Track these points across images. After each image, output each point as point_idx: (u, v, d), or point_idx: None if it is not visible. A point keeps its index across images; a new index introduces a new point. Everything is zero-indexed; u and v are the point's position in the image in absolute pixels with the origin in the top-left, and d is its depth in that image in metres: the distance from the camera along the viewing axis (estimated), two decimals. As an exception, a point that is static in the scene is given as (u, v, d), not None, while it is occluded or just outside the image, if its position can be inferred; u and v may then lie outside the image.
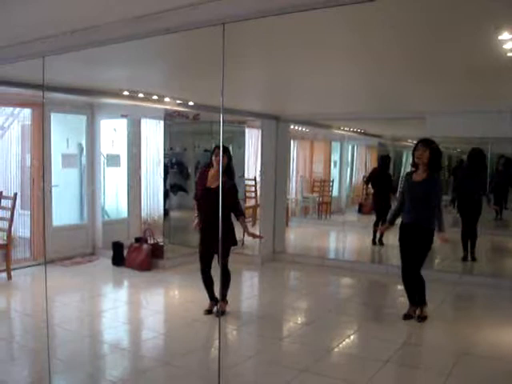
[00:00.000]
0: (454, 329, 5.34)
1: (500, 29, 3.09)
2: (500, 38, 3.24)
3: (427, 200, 5.22)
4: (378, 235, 9.13)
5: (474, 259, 7.83)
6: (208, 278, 5.61)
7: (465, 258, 7.83)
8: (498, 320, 5.61)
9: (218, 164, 5.36)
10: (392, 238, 9.31)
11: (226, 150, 5.55)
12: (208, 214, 5.37)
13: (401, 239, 5.47)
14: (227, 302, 5.65)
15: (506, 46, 3.43)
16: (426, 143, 5.23)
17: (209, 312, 5.61)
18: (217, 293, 5.62)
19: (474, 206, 7.66)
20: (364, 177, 11.44)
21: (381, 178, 9.40)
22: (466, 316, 5.93)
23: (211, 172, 5.50)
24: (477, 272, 7.70)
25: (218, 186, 5.22)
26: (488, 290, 6.68)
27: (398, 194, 10.43)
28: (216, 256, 5.47)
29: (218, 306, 5.57)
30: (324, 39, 3.57)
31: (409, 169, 11.60)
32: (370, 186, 9.71)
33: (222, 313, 5.59)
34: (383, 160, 9.67)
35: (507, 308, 6.06)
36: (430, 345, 4.95)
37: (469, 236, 7.77)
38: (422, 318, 5.41)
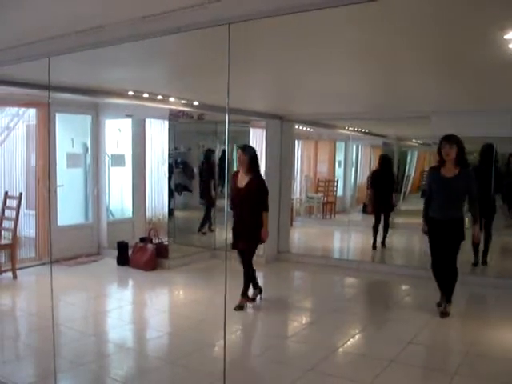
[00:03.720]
0: (461, 329, 5.33)
1: (506, 28, 3.09)
2: (506, 37, 3.23)
3: (460, 194, 5.37)
4: (378, 238, 9.04)
5: (485, 263, 7.55)
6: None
7: (475, 264, 7.52)
8: (506, 320, 5.60)
9: (241, 164, 5.74)
10: (396, 240, 9.37)
11: (245, 148, 5.87)
12: (240, 211, 5.67)
13: (434, 234, 5.53)
14: (260, 289, 6.07)
15: (512, 46, 3.42)
16: (452, 140, 5.31)
17: (252, 300, 5.95)
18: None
19: (489, 205, 7.57)
20: (369, 178, 11.39)
21: (382, 178, 9.15)
22: (474, 316, 5.91)
23: (240, 173, 5.81)
24: (486, 273, 7.61)
25: (246, 185, 5.68)
26: (497, 290, 6.66)
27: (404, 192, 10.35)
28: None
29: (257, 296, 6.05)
30: (329, 39, 3.57)
31: (413, 168, 11.60)
32: (368, 187, 9.51)
33: (253, 300, 5.96)
34: (383, 160, 9.35)
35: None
36: (436, 344, 4.94)
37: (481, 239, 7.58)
38: (445, 314, 5.48)
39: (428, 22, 3.08)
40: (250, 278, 5.85)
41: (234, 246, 5.77)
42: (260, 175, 5.85)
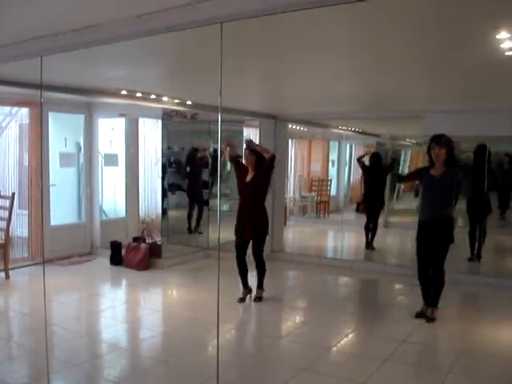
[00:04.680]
0: (455, 327, 5.34)
1: (498, 28, 3.10)
2: (498, 37, 3.25)
3: (447, 193, 5.28)
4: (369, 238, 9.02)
5: (479, 257, 7.69)
6: (243, 266, 6.04)
7: (471, 259, 7.67)
8: (499, 319, 5.62)
9: (249, 164, 5.95)
10: (389, 239, 9.38)
11: (252, 150, 5.96)
12: (245, 204, 5.93)
13: (421, 236, 5.38)
14: (264, 289, 6.11)
15: (504, 45, 3.43)
16: (441, 141, 5.20)
17: (242, 300, 6.02)
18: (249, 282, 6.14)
19: (484, 204, 7.64)
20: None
21: (373, 176, 9.05)
22: (467, 315, 5.94)
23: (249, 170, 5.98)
24: (479, 272, 7.66)
25: (252, 180, 5.88)
26: (490, 289, 6.68)
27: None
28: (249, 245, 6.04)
29: (252, 293, 6.10)
30: (322, 38, 3.58)
31: (407, 167, 11.62)
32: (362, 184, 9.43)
33: (259, 299, 6.04)
34: (374, 158, 9.18)
35: (508, 307, 6.06)
36: (430, 343, 4.95)
37: (476, 235, 7.70)
38: (431, 320, 5.32)
39: (421, 21, 3.09)
40: (263, 266, 6.03)
41: (238, 237, 5.99)
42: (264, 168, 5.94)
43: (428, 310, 5.41)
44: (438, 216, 5.30)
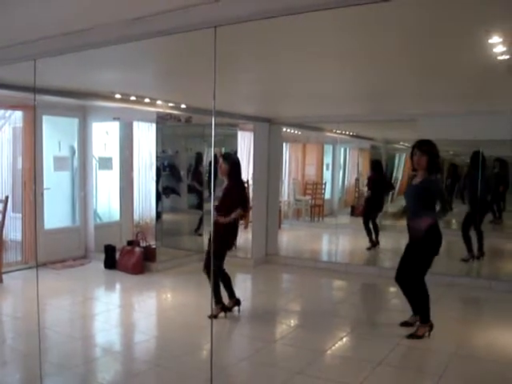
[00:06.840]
0: (449, 330, 5.34)
1: (490, 32, 3.12)
2: (490, 41, 3.27)
3: (422, 202, 4.97)
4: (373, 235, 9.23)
5: (482, 254, 7.86)
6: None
7: (466, 259, 7.84)
8: (493, 322, 5.64)
9: (222, 172, 5.60)
10: (384, 242, 9.40)
11: (226, 157, 5.78)
12: (218, 212, 5.53)
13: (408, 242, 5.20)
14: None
15: (496, 50, 3.45)
16: (423, 148, 4.95)
17: (215, 317, 5.39)
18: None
19: (481, 206, 7.74)
20: (357, 179, 11.47)
21: (377, 182, 9.52)
22: (462, 317, 5.95)
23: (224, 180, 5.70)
24: (473, 274, 7.73)
25: (224, 189, 5.59)
26: (483, 292, 6.71)
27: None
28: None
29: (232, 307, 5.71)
30: (316, 42, 3.58)
31: (401, 171, 11.69)
32: (366, 189, 9.83)
33: (229, 310, 5.66)
34: (376, 165, 9.76)
35: (502, 310, 6.07)
36: (424, 346, 4.95)
37: (470, 235, 7.84)
38: (414, 336, 5.02)
39: (414, 26, 3.10)
40: (217, 283, 5.51)
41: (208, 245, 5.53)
42: (238, 182, 5.66)
43: (416, 325, 5.16)
44: (412, 226, 5.06)
